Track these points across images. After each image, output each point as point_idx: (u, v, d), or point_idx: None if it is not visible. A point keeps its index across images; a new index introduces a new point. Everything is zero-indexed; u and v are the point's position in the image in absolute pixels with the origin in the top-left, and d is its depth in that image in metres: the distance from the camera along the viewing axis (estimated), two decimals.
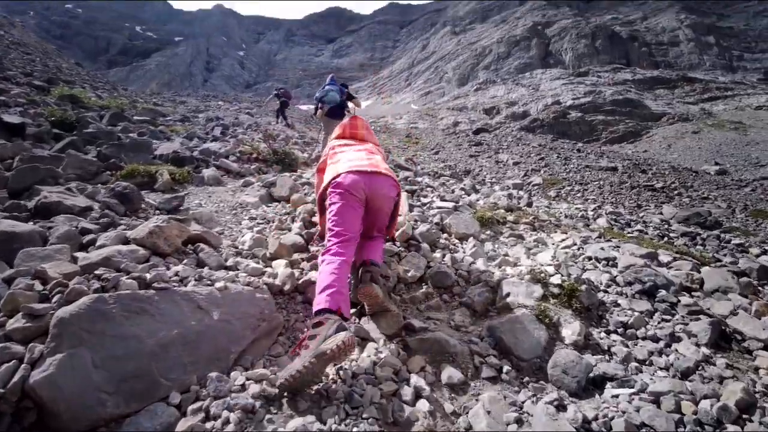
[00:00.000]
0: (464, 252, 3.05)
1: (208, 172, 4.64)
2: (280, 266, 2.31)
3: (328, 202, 2.13)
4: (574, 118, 29.89)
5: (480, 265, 2.76)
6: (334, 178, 2.14)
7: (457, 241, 3.32)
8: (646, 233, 5.37)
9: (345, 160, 2.29)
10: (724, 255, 4.86)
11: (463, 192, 6.50)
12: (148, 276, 1.67)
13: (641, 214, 6.95)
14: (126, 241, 2.01)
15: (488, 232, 3.90)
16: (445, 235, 3.41)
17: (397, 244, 2.90)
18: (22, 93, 7.40)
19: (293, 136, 10.00)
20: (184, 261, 2.03)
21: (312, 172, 5.44)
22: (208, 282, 1.82)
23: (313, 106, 8.73)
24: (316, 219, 3.20)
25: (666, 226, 6.08)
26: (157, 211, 3.06)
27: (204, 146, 6.05)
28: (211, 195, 4.04)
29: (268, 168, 5.85)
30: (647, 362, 1.98)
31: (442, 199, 4.72)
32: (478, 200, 6.42)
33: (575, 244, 3.58)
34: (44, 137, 5.45)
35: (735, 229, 6.91)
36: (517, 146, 21.71)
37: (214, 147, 6.13)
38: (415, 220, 3.31)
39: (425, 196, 4.91)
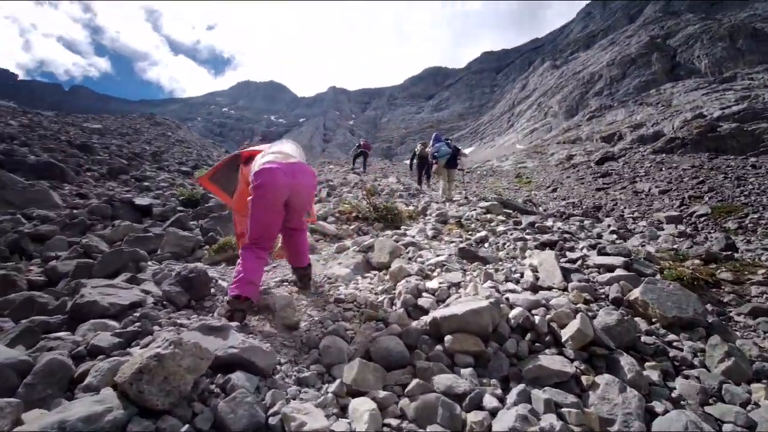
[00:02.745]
0: (704, 365, 1.59)
1: None
2: (359, 415, 1.23)
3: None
4: (727, 131, 23.67)
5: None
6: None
7: (671, 335, 1.86)
8: None
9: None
10: None
11: (615, 236, 4.81)
12: None
13: None
14: None
15: (707, 306, 2.34)
16: (642, 321, 1.99)
17: (570, 354, 1.60)
18: (168, 178, 8.52)
19: (398, 190, 9.40)
20: (187, 425, 1.12)
21: (418, 228, 4.53)
22: None
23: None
24: (421, 302, 2.18)
25: None
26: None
27: None
28: None
29: (369, 226, 5.12)
30: None
31: (601, 252, 3.27)
32: (643, 245, 4.68)
33: None
34: (168, 215, 5.82)
35: None
36: (659, 171, 17.92)
37: (314, 209, 5.82)
38: (586, 300, 1.98)
39: (571, 249, 3.49)
